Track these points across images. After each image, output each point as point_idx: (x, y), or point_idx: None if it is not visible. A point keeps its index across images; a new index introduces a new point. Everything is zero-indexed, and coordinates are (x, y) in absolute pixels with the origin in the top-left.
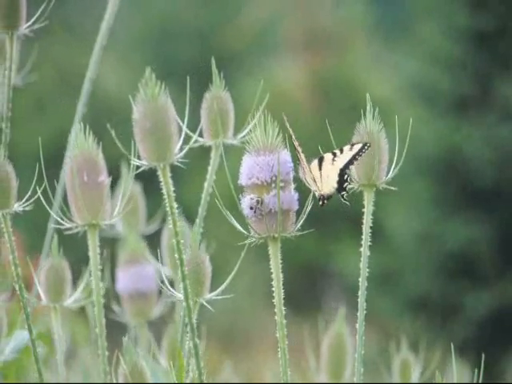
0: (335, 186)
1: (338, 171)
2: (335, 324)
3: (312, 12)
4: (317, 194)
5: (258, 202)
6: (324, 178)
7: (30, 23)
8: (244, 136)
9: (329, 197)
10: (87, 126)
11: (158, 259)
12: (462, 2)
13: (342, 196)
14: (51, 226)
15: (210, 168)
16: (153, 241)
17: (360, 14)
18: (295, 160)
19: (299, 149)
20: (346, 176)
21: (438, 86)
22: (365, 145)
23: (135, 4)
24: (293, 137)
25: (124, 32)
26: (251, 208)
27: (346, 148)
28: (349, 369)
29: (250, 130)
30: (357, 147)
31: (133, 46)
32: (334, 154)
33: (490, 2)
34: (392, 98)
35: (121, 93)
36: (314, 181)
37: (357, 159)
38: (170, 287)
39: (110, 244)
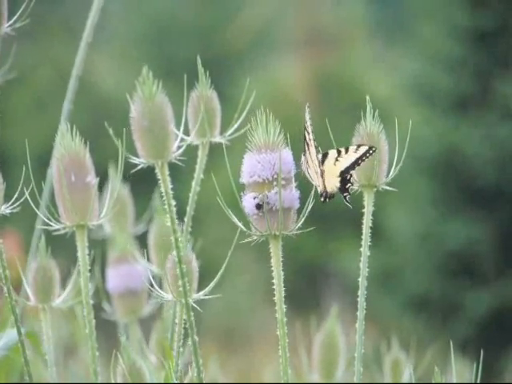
0: (338, 185)
1: (339, 173)
2: (327, 322)
3: (312, 11)
4: (319, 189)
5: (264, 197)
6: (326, 174)
7: (11, 22)
8: (231, 134)
9: (331, 195)
10: (74, 127)
11: (146, 258)
12: (462, 2)
13: (345, 197)
14: (39, 226)
15: (197, 167)
16: (141, 240)
17: (360, 13)
18: (301, 151)
19: (312, 136)
20: (348, 177)
21: (438, 85)
22: (370, 148)
23: (134, 3)
24: (308, 122)
25: (123, 31)
26: (259, 206)
27: (352, 149)
28: (341, 368)
29: (241, 128)
30: (362, 149)
31: (132, 45)
32: (339, 153)
33: (490, 1)
34: (392, 98)
35: (120, 92)
36: (317, 174)
37: (359, 164)
38: (157, 287)
39: (101, 244)
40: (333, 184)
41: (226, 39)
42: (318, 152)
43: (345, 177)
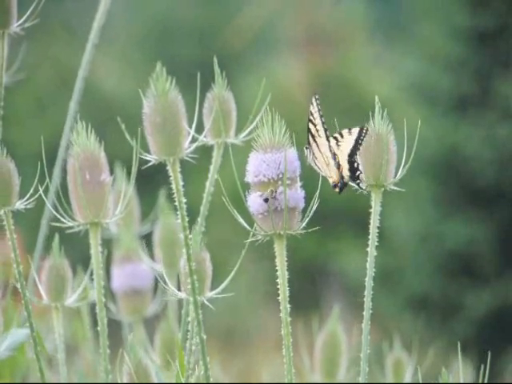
0: (348, 173)
1: (347, 158)
2: (329, 323)
3: (312, 11)
4: (331, 180)
5: (271, 192)
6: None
7: (20, 22)
8: (246, 135)
9: (345, 184)
10: (89, 125)
11: (151, 257)
12: (462, 2)
13: (358, 184)
14: (50, 224)
15: (211, 167)
16: (146, 240)
17: (360, 12)
18: (305, 145)
19: (321, 126)
20: (355, 163)
21: (438, 85)
22: (362, 129)
23: (135, 3)
24: (316, 114)
25: (124, 32)
26: (267, 200)
27: (345, 132)
28: (343, 367)
29: (254, 129)
30: (355, 131)
31: (133, 46)
32: (336, 139)
33: (491, 1)
34: (392, 98)
35: (121, 93)
36: (328, 165)
37: (360, 144)
38: (165, 285)
39: (105, 243)
40: (345, 168)
41: (227, 40)
42: (328, 136)
43: (352, 163)
